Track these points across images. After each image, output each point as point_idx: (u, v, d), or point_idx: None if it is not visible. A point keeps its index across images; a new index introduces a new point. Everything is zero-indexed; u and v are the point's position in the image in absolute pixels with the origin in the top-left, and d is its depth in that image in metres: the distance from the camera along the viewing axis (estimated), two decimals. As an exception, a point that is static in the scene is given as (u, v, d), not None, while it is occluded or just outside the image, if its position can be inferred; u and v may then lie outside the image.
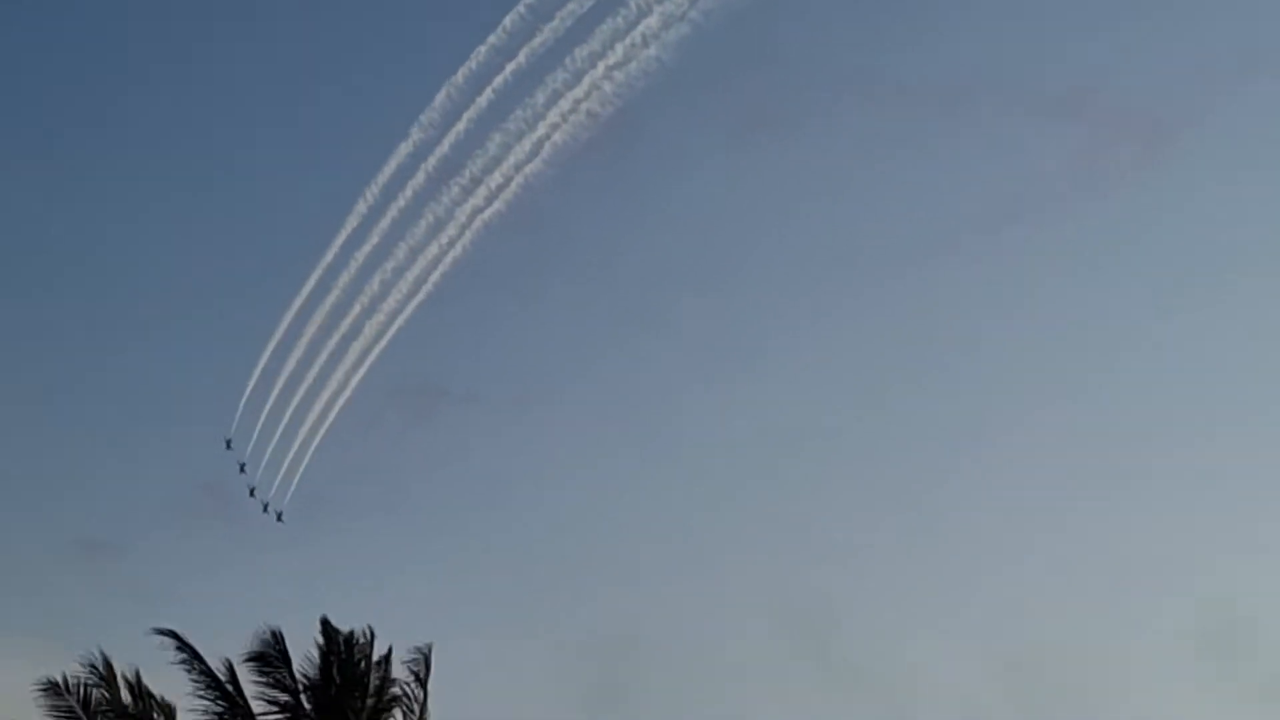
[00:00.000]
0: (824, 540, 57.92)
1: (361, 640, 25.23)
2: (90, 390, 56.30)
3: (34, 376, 56.14)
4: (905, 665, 52.66)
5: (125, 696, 26.10)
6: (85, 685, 25.65)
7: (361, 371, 39.11)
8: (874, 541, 57.84)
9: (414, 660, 25.11)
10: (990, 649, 53.95)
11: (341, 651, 25.17)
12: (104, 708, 25.41)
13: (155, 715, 27.15)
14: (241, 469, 40.61)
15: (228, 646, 25.65)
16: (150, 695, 26.63)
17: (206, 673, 24.91)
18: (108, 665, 25.78)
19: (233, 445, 40.30)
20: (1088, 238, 62.32)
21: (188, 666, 25.03)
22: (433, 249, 37.97)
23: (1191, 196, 61.94)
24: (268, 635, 24.91)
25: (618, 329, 59.60)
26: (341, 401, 39.33)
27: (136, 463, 55.20)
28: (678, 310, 59.53)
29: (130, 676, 26.25)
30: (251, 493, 38.06)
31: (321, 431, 39.53)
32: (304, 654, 25.08)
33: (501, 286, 51.99)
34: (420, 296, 38.52)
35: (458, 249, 37.92)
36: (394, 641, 25.41)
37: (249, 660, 24.66)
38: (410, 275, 38.08)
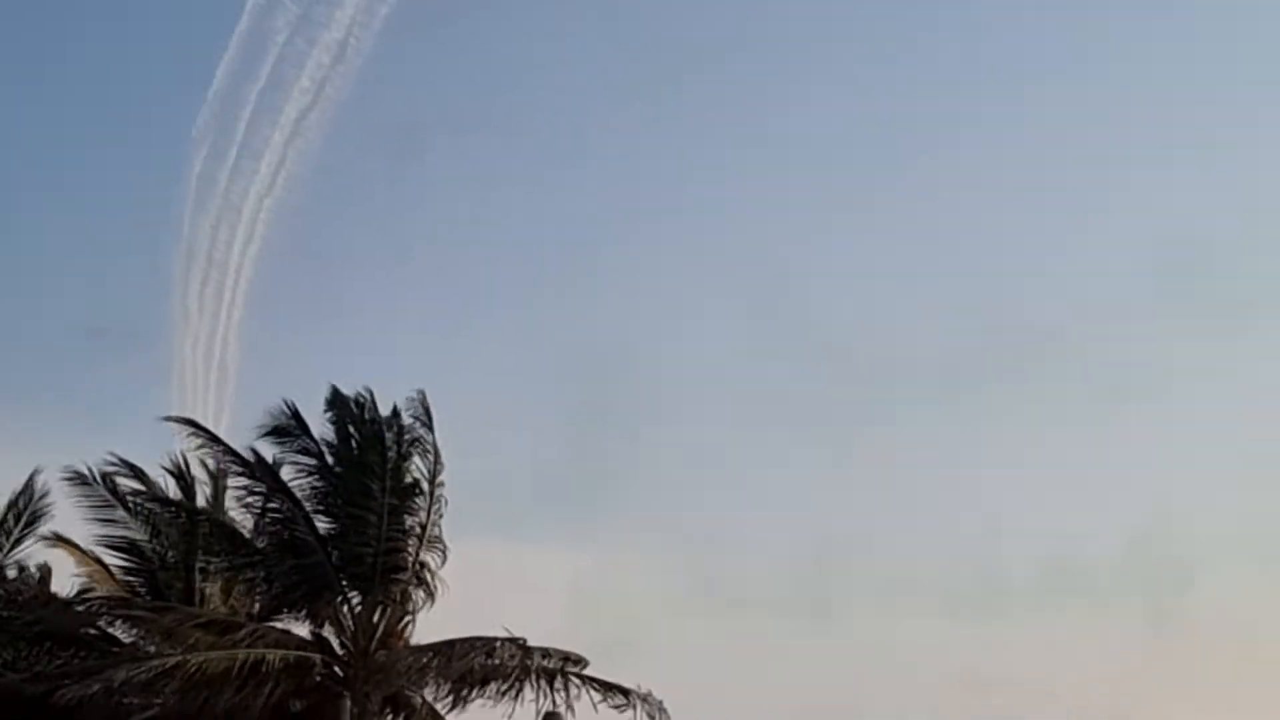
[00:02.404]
0: (787, 218, 57.01)
1: (366, 400, 25.66)
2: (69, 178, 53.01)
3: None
4: (884, 333, 51.48)
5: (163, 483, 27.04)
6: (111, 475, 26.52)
7: (318, 114, 37.30)
8: (838, 217, 56.38)
9: (416, 406, 25.56)
10: (963, 302, 52.23)
11: (354, 412, 25.70)
12: (131, 494, 26.42)
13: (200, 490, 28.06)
14: None
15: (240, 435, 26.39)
16: (184, 474, 27.50)
17: (229, 451, 25.61)
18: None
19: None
20: None
21: (208, 450, 25.85)
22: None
23: None
24: (283, 408, 25.38)
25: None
26: (298, 149, 37.68)
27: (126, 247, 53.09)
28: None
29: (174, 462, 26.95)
30: None
31: (280, 183, 38.05)
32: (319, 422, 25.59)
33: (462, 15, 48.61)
34: (365, 35, 36.60)
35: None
36: (398, 383, 25.84)
37: (267, 435, 25.17)
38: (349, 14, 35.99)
